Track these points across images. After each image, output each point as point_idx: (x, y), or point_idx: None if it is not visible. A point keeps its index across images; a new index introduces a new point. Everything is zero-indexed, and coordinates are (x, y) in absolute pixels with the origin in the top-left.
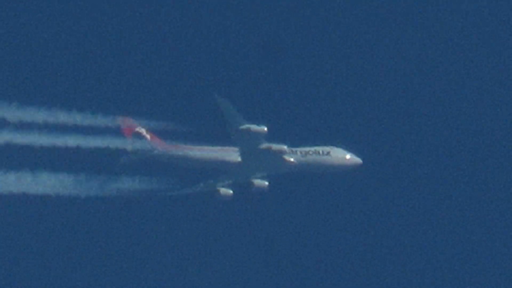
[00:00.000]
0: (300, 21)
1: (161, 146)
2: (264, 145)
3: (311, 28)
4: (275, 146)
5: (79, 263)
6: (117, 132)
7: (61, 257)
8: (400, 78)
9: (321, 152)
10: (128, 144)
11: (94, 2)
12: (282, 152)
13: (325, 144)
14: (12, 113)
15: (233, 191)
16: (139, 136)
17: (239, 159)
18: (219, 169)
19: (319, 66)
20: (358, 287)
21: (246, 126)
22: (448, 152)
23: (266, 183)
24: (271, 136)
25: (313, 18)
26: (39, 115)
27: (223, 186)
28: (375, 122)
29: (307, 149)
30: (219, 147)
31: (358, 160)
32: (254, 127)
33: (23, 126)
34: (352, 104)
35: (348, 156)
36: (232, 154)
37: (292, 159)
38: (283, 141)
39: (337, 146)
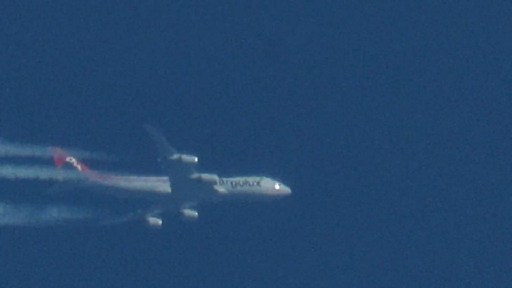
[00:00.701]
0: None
1: (92, 176)
2: (195, 175)
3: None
4: (205, 176)
5: None
6: (47, 162)
7: None
8: (326, 108)
9: (251, 182)
10: (59, 174)
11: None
12: (212, 182)
13: (255, 174)
14: None
15: (162, 221)
16: (69, 166)
17: (169, 189)
18: (149, 200)
19: (247, 95)
20: None
21: (177, 156)
22: (375, 180)
23: (196, 213)
24: (201, 166)
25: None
26: None
27: (152, 216)
28: (304, 152)
29: (237, 179)
30: (149, 177)
31: (287, 189)
32: (185, 157)
33: None
34: (281, 134)
35: (277, 186)
36: (162, 185)
37: (222, 189)
38: (214, 171)
39: (266, 176)
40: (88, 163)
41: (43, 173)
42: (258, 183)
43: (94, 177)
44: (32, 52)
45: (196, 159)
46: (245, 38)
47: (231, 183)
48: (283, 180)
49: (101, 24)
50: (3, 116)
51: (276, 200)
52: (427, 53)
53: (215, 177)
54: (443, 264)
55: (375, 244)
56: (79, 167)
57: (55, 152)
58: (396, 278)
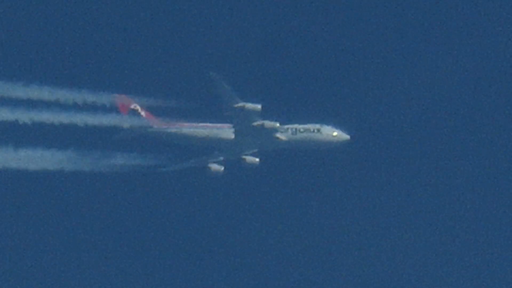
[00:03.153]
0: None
1: (156, 123)
2: (258, 122)
3: (305, 6)
4: (268, 123)
5: (72, 238)
6: (113, 109)
7: (55, 232)
8: (390, 54)
9: (311, 129)
10: (124, 121)
11: None
12: (274, 129)
13: (315, 121)
14: (10, 91)
15: (224, 167)
16: (134, 113)
17: (233, 136)
18: (212, 146)
19: (312, 44)
20: (344, 260)
21: (241, 104)
22: (435, 131)
23: (257, 159)
24: (264, 114)
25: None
26: (35, 92)
27: (214, 163)
28: (364, 99)
29: (297, 126)
30: (213, 124)
31: (346, 136)
32: (248, 105)
33: (20, 104)
34: (342, 81)
35: (336, 133)
36: (226, 131)
37: (283, 136)
38: (275, 119)
39: (326, 123)
40: (153, 110)
41: (109, 120)
42: (318, 130)
43: (159, 124)
44: None
45: (260, 107)
46: None
47: (292, 130)
48: (342, 127)
49: None
50: (70, 64)
51: (335, 147)
52: None
53: (277, 124)
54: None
55: (433, 194)
56: (144, 114)
57: (121, 99)
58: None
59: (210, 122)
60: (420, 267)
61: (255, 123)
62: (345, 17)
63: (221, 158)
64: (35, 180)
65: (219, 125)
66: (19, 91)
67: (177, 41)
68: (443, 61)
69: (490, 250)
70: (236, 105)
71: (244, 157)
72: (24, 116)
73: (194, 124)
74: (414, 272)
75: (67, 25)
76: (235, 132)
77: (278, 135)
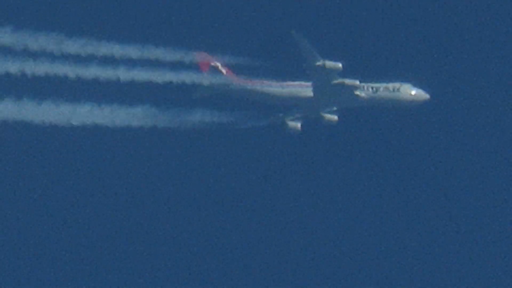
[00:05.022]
0: None
1: (236, 81)
2: (338, 80)
3: None
4: (348, 81)
5: (149, 190)
6: (193, 66)
7: (134, 189)
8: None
9: (391, 88)
10: (204, 79)
11: None
12: (354, 87)
13: (395, 79)
14: (91, 48)
15: (302, 125)
16: (215, 70)
17: (312, 94)
18: (291, 104)
19: (391, 5)
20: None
21: (321, 62)
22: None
23: (336, 117)
24: (343, 71)
25: None
26: (119, 50)
27: (292, 120)
28: (444, 58)
29: (377, 85)
30: (293, 82)
31: (426, 95)
32: (329, 63)
33: (102, 61)
34: (421, 40)
35: (416, 92)
36: (305, 89)
37: (363, 94)
38: (355, 77)
39: (406, 82)
40: (233, 68)
41: (189, 78)
42: (398, 89)
43: (239, 81)
44: None
45: (340, 65)
46: None
47: (372, 88)
48: (422, 86)
49: None
50: (150, 21)
51: (415, 106)
52: None
53: (357, 82)
54: None
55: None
56: (224, 71)
57: (201, 57)
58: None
59: (290, 80)
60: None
61: (335, 81)
62: None
63: (299, 115)
64: (114, 135)
65: (297, 83)
66: (101, 48)
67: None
68: None
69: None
70: (317, 63)
71: (322, 114)
72: (105, 73)
73: (274, 82)
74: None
75: None
76: (315, 90)
77: (357, 92)
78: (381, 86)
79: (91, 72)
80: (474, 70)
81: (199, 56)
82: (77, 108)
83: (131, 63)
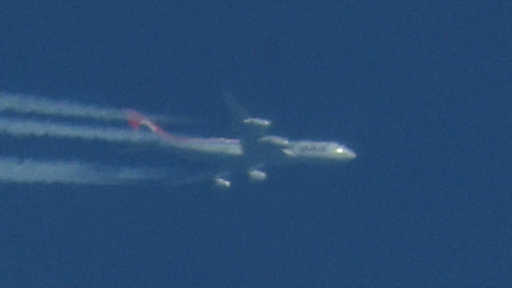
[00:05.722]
0: (303, 18)
1: (166, 138)
2: (266, 138)
3: (313, 26)
4: (276, 139)
5: (80, 250)
6: (123, 123)
7: (63, 245)
8: (396, 77)
9: (318, 147)
10: (134, 135)
11: None
12: (282, 145)
13: (322, 138)
14: (21, 104)
15: (230, 182)
16: (144, 128)
17: (240, 151)
18: (220, 161)
19: (318, 64)
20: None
21: (250, 119)
22: (443, 149)
23: (263, 174)
24: (271, 130)
25: (315, 17)
26: (48, 107)
27: (221, 177)
28: (370, 118)
29: (304, 143)
30: (221, 139)
31: (352, 154)
32: (257, 120)
33: (31, 117)
34: (348, 100)
35: (342, 151)
36: (233, 147)
37: (291, 153)
38: (282, 135)
39: (332, 141)
40: (163, 125)
41: (119, 134)
42: (325, 148)
43: (168, 139)
44: (110, 13)
45: (268, 123)
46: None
47: (299, 147)
48: (348, 145)
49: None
50: (81, 78)
51: (341, 165)
52: None
53: (285, 140)
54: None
55: (439, 211)
56: (153, 129)
57: (131, 114)
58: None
59: (218, 138)
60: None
61: (263, 139)
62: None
63: (227, 172)
64: (44, 192)
65: (227, 140)
66: (31, 104)
67: (187, 57)
68: (449, 77)
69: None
70: (245, 121)
71: (250, 172)
72: (35, 129)
73: (203, 140)
74: None
75: (81, 42)
76: (243, 148)
77: (285, 151)
78: (308, 144)
79: (19, 128)
80: (398, 131)
81: (128, 114)
82: (4, 164)
83: (60, 119)
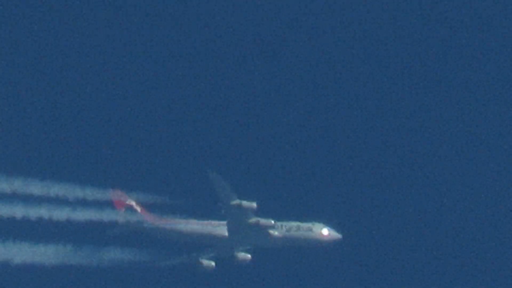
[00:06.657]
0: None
1: (151, 220)
2: (253, 220)
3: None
4: (263, 221)
5: None
6: (109, 204)
7: None
8: (384, 157)
9: (304, 227)
10: (119, 216)
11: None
12: (269, 227)
13: (307, 219)
14: (5, 185)
15: (216, 263)
16: (130, 208)
17: (226, 233)
18: (206, 243)
19: (304, 143)
20: None
21: (237, 201)
22: (426, 228)
23: (249, 256)
24: (256, 211)
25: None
26: (32, 187)
27: (206, 258)
28: (356, 199)
29: (290, 224)
30: (207, 221)
31: (337, 235)
32: (245, 202)
33: (15, 198)
34: (334, 181)
35: (328, 232)
36: (220, 229)
37: (277, 233)
38: (268, 216)
39: (318, 222)
40: (148, 206)
41: (104, 216)
42: (311, 229)
43: (154, 220)
44: (94, 89)
45: (256, 205)
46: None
47: (285, 228)
48: (334, 226)
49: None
50: (66, 159)
51: (327, 245)
52: None
53: (272, 222)
54: None
55: None
56: (139, 210)
57: (116, 195)
58: None
59: (204, 219)
60: None
61: (250, 220)
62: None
63: (213, 253)
64: (28, 274)
65: (213, 222)
66: (14, 186)
67: (173, 138)
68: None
69: None
70: (232, 203)
71: (236, 253)
72: (19, 211)
73: (189, 221)
74: None
75: (66, 120)
76: (230, 229)
77: (272, 232)
78: (294, 225)
79: (4, 209)
80: (385, 210)
81: (114, 194)
82: None
83: (45, 200)
